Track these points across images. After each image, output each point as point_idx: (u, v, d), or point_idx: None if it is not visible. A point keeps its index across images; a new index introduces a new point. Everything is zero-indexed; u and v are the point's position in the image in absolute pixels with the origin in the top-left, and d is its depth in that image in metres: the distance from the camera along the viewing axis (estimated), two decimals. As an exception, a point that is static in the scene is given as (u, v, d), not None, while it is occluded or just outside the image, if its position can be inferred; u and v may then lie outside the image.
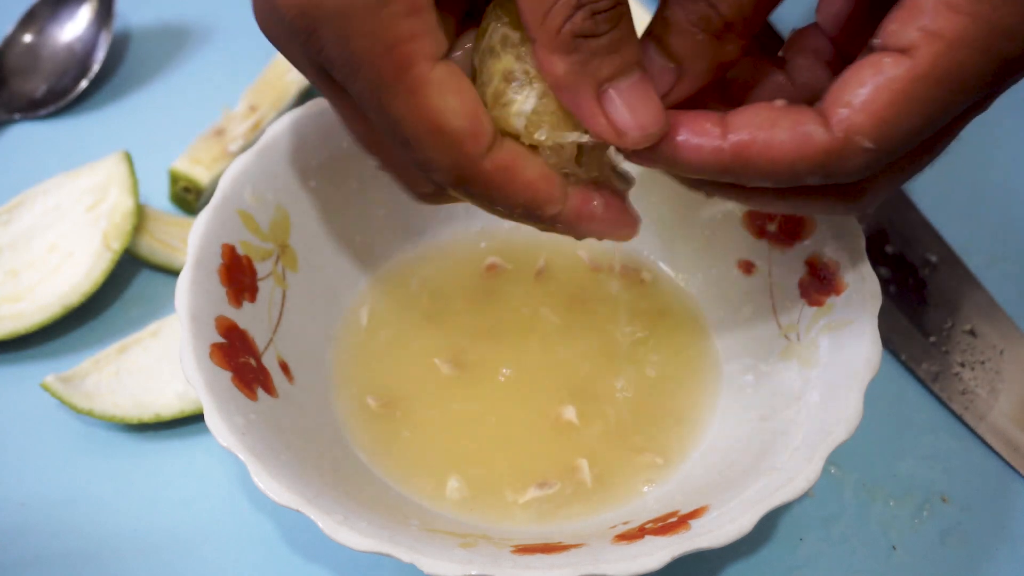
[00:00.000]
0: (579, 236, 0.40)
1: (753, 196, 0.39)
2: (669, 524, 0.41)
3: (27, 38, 0.64)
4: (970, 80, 0.35)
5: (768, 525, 0.48)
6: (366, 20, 0.35)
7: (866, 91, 0.35)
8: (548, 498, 0.46)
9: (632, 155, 0.38)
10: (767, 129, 0.36)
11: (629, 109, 0.36)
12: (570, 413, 0.49)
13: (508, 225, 0.54)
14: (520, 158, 0.38)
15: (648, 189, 0.53)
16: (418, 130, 0.36)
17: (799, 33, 0.42)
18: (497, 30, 0.37)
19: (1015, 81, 0.37)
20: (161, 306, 0.55)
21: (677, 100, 0.38)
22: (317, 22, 0.35)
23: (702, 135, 0.37)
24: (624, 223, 0.40)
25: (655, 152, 0.38)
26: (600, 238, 0.40)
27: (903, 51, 0.35)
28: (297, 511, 0.39)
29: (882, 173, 0.38)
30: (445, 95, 0.36)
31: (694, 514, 0.41)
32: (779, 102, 0.37)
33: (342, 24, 0.35)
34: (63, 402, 0.50)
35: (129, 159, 0.56)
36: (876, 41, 0.36)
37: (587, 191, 0.39)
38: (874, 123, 0.35)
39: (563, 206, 0.38)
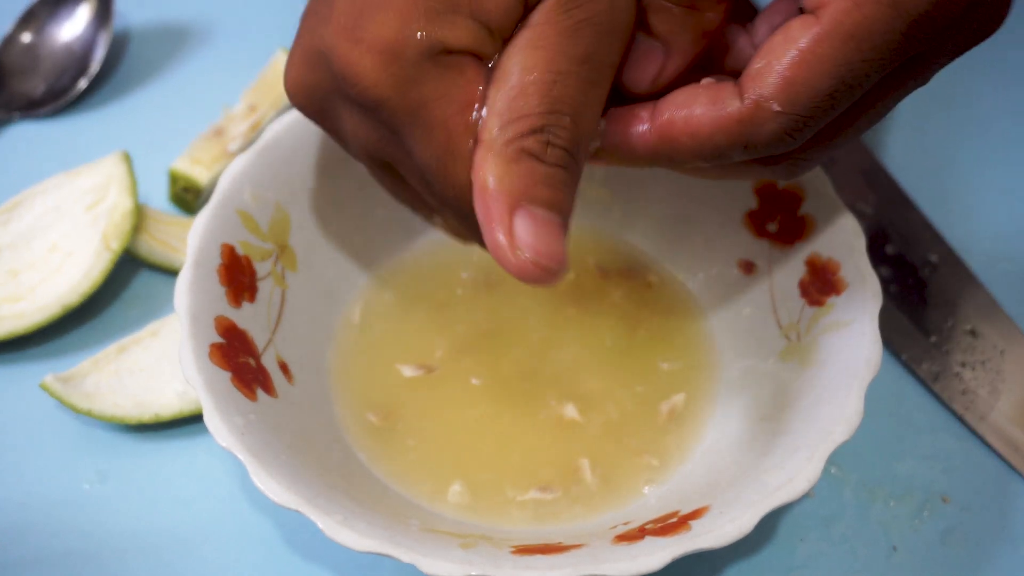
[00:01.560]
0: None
1: (696, 171, 0.41)
2: (669, 524, 0.41)
3: (26, 38, 0.64)
4: (878, 36, 0.35)
5: (768, 525, 0.48)
6: (435, 86, 0.36)
7: (775, 56, 0.35)
8: (550, 500, 0.46)
9: (596, 156, 0.40)
10: (687, 107, 0.37)
11: (535, 234, 0.35)
12: (571, 411, 0.49)
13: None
14: None
15: (649, 188, 0.53)
16: (459, 190, 0.37)
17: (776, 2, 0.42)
18: None
19: (938, 43, 0.36)
20: (160, 306, 0.55)
21: (669, 78, 0.39)
22: (388, 87, 0.36)
23: (632, 123, 0.38)
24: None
25: (597, 153, 0.40)
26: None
27: (813, 12, 0.35)
28: (296, 511, 0.39)
29: (809, 144, 0.38)
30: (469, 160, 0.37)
31: (694, 514, 0.41)
32: (706, 80, 0.38)
33: (413, 90, 0.36)
34: (62, 402, 0.50)
35: (128, 159, 0.56)
36: (800, 6, 0.36)
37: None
38: (782, 86, 0.35)
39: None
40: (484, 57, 0.36)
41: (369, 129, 0.38)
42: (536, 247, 0.35)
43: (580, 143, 0.37)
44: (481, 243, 0.37)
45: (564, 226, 0.36)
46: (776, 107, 0.36)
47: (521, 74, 0.36)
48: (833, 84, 0.35)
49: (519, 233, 0.35)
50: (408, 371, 0.50)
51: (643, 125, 0.38)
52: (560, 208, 0.36)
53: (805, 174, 0.42)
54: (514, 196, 0.36)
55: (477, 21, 0.35)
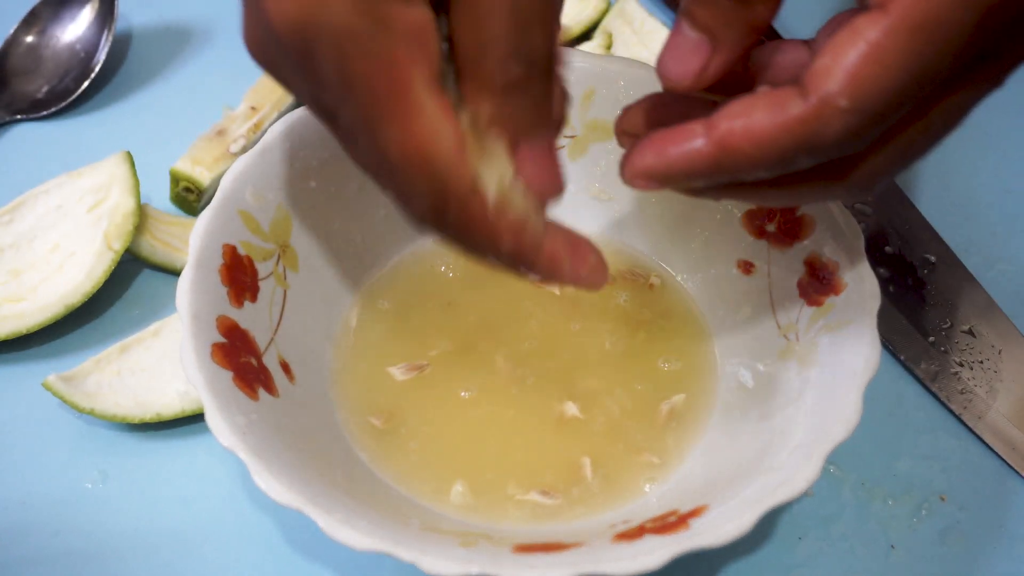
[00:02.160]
0: (551, 281, 0.39)
1: (755, 191, 0.39)
2: (669, 523, 0.41)
3: (29, 39, 0.64)
4: (950, 28, 0.33)
5: (767, 524, 0.48)
6: (366, 41, 0.33)
7: (841, 51, 0.34)
8: (552, 500, 0.46)
9: (630, 180, 0.39)
10: (747, 115, 0.36)
11: (538, 168, 0.36)
12: (572, 409, 0.49)
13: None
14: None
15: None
16: (406, 156, 0.34)
17: (839, 14, 0.40)
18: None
19: (1011, 38, 0.35)
20: (162, 306, 0.55)
21: (715, 74, 0.38)
22: (314, 42, 0.34)
23: (688, 140, 0.37)
24: (597, 269, 0.40)
25: (652, 171, 0.38)
26: (572, 285, 0.40)
27: (880, 6, 0.34)
28: (298, 510, 0.39)
29: (875, 146, 0.37)
30: (438, 124, 0.34)
31: (693, 513, 0.42)
32: (762, 88, 0.36)
33: (341, 44, 0.33)
34: (65, 401, 0.50)
35: (131, 159, 0.56)
36: (864, 2, 0.35)
37: (564, 236, 0.38)
38: (849, 82, 0.34)
39: (541, 251, 0.38)
40: None
41: (299, 79, 0.36)
42: (545, 179, 0.35)
43: (553, 50, 0.35)
44: (426, 219, 0.36)
45: (554, 144, 0.36)
46: (844, 104, 0.34)
47: None
48: (903, 79, 0.34)
49: (529, 172, 0.35)
50: (409, 372, 0.50)
51: (699, 140, 0.36)
52: (548, 123, 0.36)
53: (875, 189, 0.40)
54: (513, 136, 0.35)
55: None
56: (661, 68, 0.38)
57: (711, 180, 0.37)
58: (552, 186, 0.36)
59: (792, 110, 0.35)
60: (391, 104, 0.34)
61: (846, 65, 0.34)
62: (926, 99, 0.36)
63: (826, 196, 0.39)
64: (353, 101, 0.34)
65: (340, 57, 0.33)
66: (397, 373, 0.50)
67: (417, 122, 0.34)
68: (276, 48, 0.35)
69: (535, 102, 0.35)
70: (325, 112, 0.36)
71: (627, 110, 0.41)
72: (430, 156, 0.34)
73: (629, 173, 0.39)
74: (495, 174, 0.35)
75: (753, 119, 0.35)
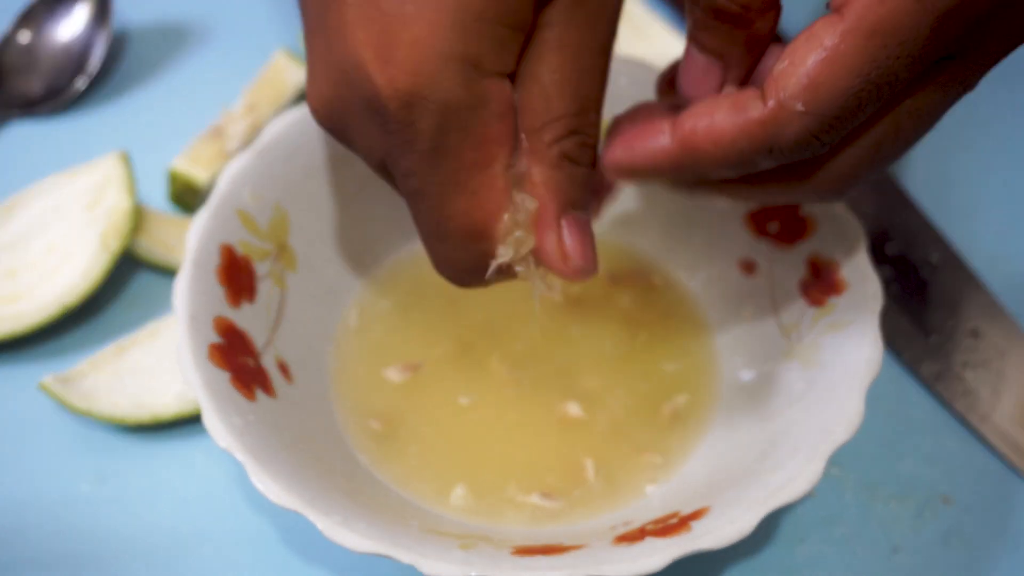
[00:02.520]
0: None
1: (724, 188, 0.41)
2: (670, 525, 0.41)
3: (24, 37, 0.64)
4: (905, 32, 0.34)
5: (769, 526, 0.48)
6: (467, 115, 0.35)
7: (798, 56, 0.35)
8: (554, 503, 0.46)
9: (602, 170, 0.40)
10: (709, 115, 0.37)
11: (579, 240, 0.37)
12: (575, 409, 0.49)
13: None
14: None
15: (648, 190, 0.53)
16: (469, 227, 0.37)
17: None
18: None
19: (971, 42, 0.35)
20: (159, 306, 0.55)
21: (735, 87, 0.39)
22: (419, 111, 0.35)
23: (654, 137, 0.38)
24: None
25: (620, 165, 0.40)
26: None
27: (837, 10, 0.34)
28: (296, 512, 0.39)
29: (838, 149, 0.38)
30: (503, 200, 0.37)
31: (695, 515, 0.41)
32: (727, 88, 0.38)
33: (445, 115, 0.35)
34: (61, 402, 0.50)
35: (127, 159, 0.56)
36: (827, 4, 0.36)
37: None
38: (805, 85, 0.35)
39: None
40: (511, 71, 0.36)
41: (384, 143, 0.37)
42: (581, 252, 0.37)
43: (600, 137, 0.38)
44: (471, 282, 0.39)
45: (590, 221, 0.38)
46: (800, 107, 0.35)
47: (550, 75, 0.36)
48: (859, 83, 0.34)
49: (567, 240, 0.37)
50: (409, 373, 0.50)
51: (664, 138, 0.38)
52: (589, 203, 0.38)
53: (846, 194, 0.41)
54: (561, 203, 0.37)
55: (504, 26, 0.35)
56: (683, 92, 0.40)
57: (676, 176, 0.39)
58: (585, 259, 0.38)
59: (752, 113, 0.36)
60: (473, 177, 0.36)
61: (803, 69, 0.35)
62: (887, 102, 0.36)
63: (794, 197, 0.41)
64: (440, 168, 0.36)
65: (440, 127, 0.35)
66: (396, 374, 0.50)
67: (489, 197, 0.36)
68: (366, 112, 0.36)
69: (583, 176, 0.37)
70: (398, 171, 0.37)
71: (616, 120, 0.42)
72: (488, 231, 0.37)
73: (604, 166, 0.41)
74: (519, 239, 0.38)
75: (715, 120, 0.37)
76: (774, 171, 0.39)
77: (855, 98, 0.35)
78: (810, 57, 0.35)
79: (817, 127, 0.35)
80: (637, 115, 0.41)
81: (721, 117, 0.37)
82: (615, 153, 0.40)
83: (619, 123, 0.42)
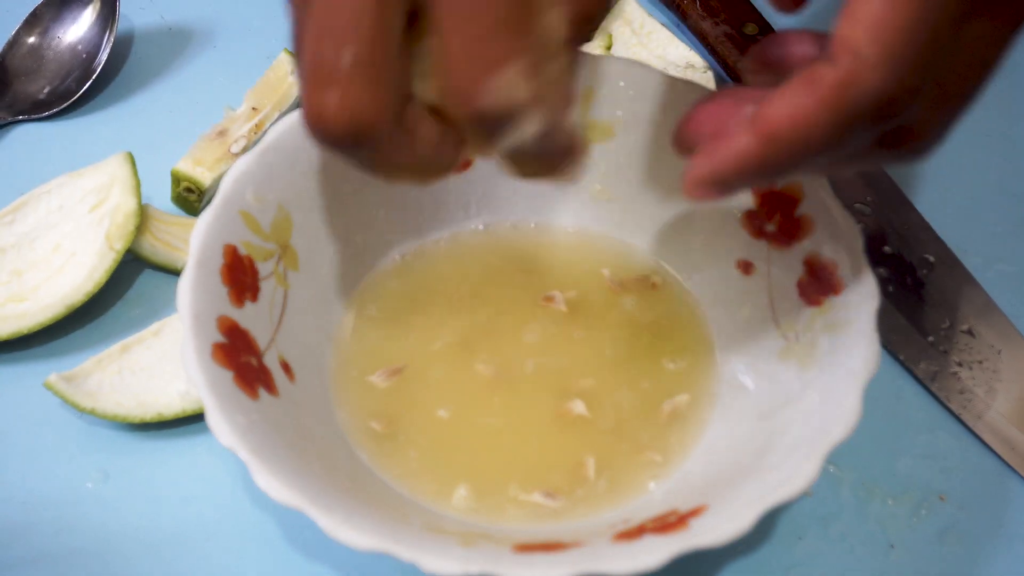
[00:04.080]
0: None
1: (819, 168, 0.37)
2: (668, 523, 0.42)
3: (31, 40, 0.65)
4: None
5: (767, 524, 0.48)
6: None
7: (856, 7, 0.32)
8: (555, 502, 0.46)
9: (689, 193, 0.37)
10: (784, 99, 0.34)
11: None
12: (579, 407, 0.49)
13: (510, 225, 0.55)
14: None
15: (646, 189, 0.54)
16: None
17: None
18: None
19: None
20: (163, 306, 0.55)
21: None
22: None
23: (735, 139, 0.35)
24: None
25: (704, 179, 0.36)
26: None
27: None
28: (298, 510, 0.39)
29: (928, 103, 0.34)
30: None
31: (693, 513, 0.42)
32: (796, 72, 0.34)
33: None
34: (66, 401, 0.50)
35: (132, 160, 0.56)
36: None
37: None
38: (871, 31, 0.32)
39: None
40: None
41: None
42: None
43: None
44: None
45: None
46: (873, 56, 0.32)
47: None
48: (922, 9, 0.32)
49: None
50: (409, 373, 0.50)
51: (745, 137, 0.35)
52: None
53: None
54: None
55: None
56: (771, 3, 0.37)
57: (768, 176, 0.36)
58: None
59: (826, 78, 0.33)
60: None
61: (864, 17, 0.32)
62: (957, 28, 0.33)
63: (883, 163, 0.37)
64: None
65: None
66: (396, 374, 0.50)
67: None
68: None
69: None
70: None
71: (684, 121, 0.39)
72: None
73: (687, 187, 0.37)
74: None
75: (790, 101, 0.33)
76: (882, 142, 0.35)
77: (925, 28, 0.32)
78: (864, 5, 0.32)
79: (897, 74, 0.32)
80: (713, 111, 0.38)
81: (797, 96, 0.33)
82: (699, 169, 0.36)
83: (694, 124, 0.38)
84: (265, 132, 0.58)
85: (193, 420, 0.51)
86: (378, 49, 0.34)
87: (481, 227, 0.55)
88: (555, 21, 0.34)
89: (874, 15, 0.32)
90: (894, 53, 0.32)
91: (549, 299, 0.52)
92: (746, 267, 0.51)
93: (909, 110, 0.34)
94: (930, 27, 0.32)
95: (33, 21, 0.65)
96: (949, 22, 0.33)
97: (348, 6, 0.34)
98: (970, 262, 0.57)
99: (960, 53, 0.34)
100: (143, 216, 0.55)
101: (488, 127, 0.34)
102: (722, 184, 0.36)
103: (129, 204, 0.55)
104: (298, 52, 0.36)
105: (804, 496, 0.49)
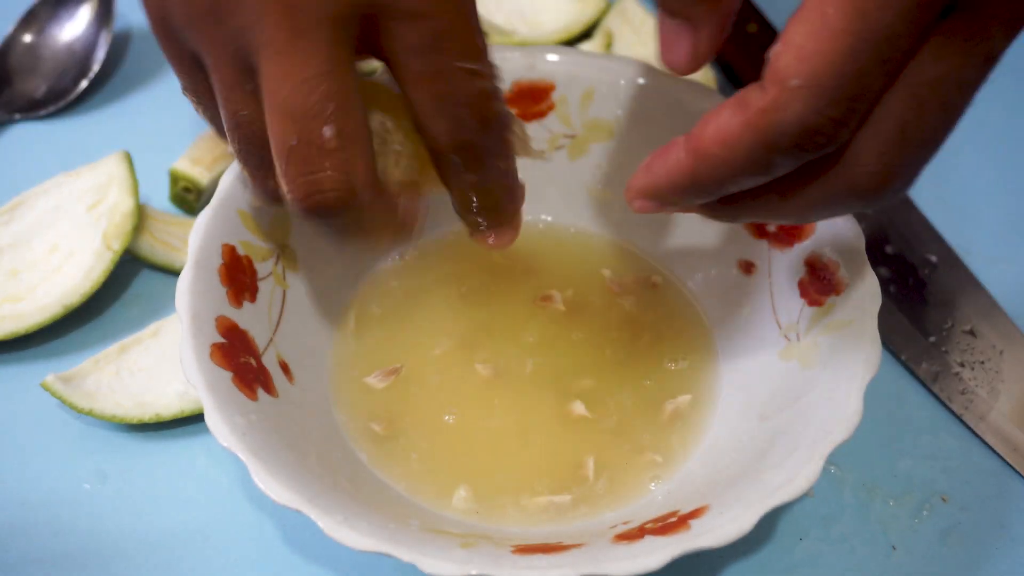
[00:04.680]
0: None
1: (760, 205, 0.38)
2: (669, 524, 0.41)
3: (27, 38, 0.64)
4: None
5: (768, 524, 0.48)
6: None
7: (789, 31, 0.33)
8: (556, 502, 0.46)
9: (630, 203, 0.40)
10: (715, 117, 0.35)
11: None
12: (580, 408, 0.49)
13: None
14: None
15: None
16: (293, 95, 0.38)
17: None
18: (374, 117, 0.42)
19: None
20: (161, 306, 0.55)
21: (707, 53, 0.39)
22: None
23: (669, 154, 0.37)
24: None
25: (642, 190, 0.39)
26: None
27: None
28: (297, 511, 0.39)
29: (859, 133, 0.35)
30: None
31: (694, 514, 0.42)
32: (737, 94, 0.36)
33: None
34: (64, 402, 0.50)
35: (129, 159, 0.56)
36: None
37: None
38: (796, 58, 0.32)
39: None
40: None
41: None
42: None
43: None
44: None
45: None
46: (796, 81, 0.33)
47: None
48: (852, 43, 0.32)
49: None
50: (409, 374, 0.50)
51: (678, 151, 0.37)
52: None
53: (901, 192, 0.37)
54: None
55: None
56: (663, 61, 0.40)
57: (698, 193, 0.37)
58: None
59: (753, 103, 0.34)
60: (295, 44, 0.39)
61: (794, 43, 0.33)
62: (894, 69, 0.33)
63: (836, 205, 0.37)
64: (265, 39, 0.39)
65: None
66: (396, 375, 0.50)
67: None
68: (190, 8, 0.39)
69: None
70: (196, 75, 0.43)
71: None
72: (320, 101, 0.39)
73: (627, 197, 0.40)
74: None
75: (720, 120, 0.35)
76: (804, 174, 0.36)
77: (854, 62, 0.32)
78: (800, 30, 0.33)
79: (821, 102, 0.33)
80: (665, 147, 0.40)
81: (726, 116, 0.35)
82: (637, 180, 0.39)
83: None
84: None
85: (192, 421, 0.51)
86: (353, 117, 0.39)
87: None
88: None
89: (803, 43, 0.33)
90: (819, 84, 0.33)
91: (547, 299, 0.52)
92: (747, 267, 0.51)
93: (835, 141, 0.34)
94: (861, 60, 0.32)
95: (29, 19, 0.65)
96: (885, 58, 0.33)
97: (309, 85, 0.38)
98: (972, 262, 0.57)
99: (914, 93, 0.34)
100: (141, 216, 0.55)
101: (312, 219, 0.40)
102: (657, 196, 0.38)
103: (127, 204, 0.55)
104: (249, 141, 0.40)
105: (805, 497, 0.49)
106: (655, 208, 0.39)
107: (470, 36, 0.40)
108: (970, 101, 0.35)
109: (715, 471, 0.45)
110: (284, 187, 0.39)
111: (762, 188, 0.37)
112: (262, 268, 0.48)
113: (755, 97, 0.34)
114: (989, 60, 0.34)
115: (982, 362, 0.53)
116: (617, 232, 0.55)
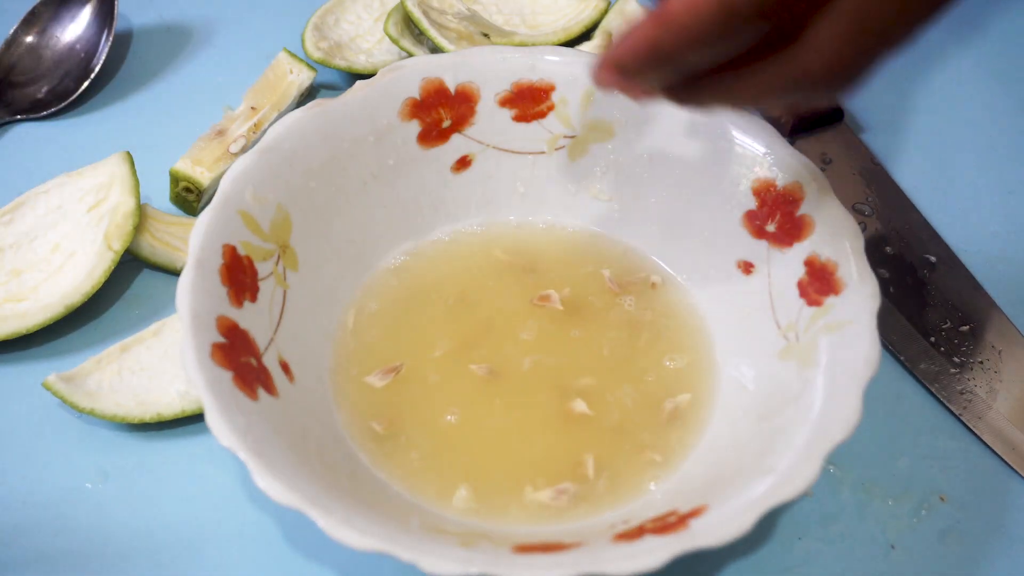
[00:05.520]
0: None
1: (718, 87, 0.39)
2: (668, 523, 0.42)
3: (29, 39, 0.65)
4: None
5: (767, 524, 0.48)
6: None
7: None
8: (556, 502, 0.46)
9: (593, 79, 0.40)
10: None
11: None
12: (581, 406, 0.49)
13: (510, 224, 0.55)
14: None
15: (648, 190, 0.54)
16: None
17: None
18: None
19: None
20: (162, 306, 0.55)
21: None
22: None
23: (634, 26, 0.38)
24: None
25: (605, 61, 0.39)
26: None
27: None
28: (298, 510, 0.39)
29: (818, 16, 0.36)
30: None
31: (693, 513, 0.42)
32: None
33: None
34: (65, 401, 0.50)
35: (130, 159, 0.56)
36: None
37: None
38: None
39: None
40: None
41: None
42: None
43: None
44: None
45: None
46: None
47: None
48: None
49: None
50: (409, 373, 0.50)
51: (646, 23, 0.38)
52: None
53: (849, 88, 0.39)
54: None
55: None
56: (599, 82, 0.41)
57: (660, 62, 0.38)
58: None
59: None
60: None
61: None
62: None
63: (788, 89, 0.39)
64: None
65: None
66: (396, 375, 0.50)
67: None
68: None
69: None
70: None
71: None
72: None
73: (592, 71, 0.41)
74: None
75: None
76: (760, 53, 0.38)
77: None
78: None
79: None
80: None
81: None
82: (603, 55, 0.40)
83: None
84: (264, 132, 0.58)
85: (192, 420, 0.51)
86: None
87: (481, 227, 0.55)
88: None
89: None
90: None
91: (544, 298, 0.52)
92: (746, 267, 0.51)
93: (792, 13, 0.36)
94: None
95: (31, 20, 0.65)
96: None
97: None
98: (971, 262, 0.57)
99: None
100: (142, 216, 0.55)
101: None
102: (620, 65, 0.39)
103: (128, 204, 0.55)
104: None
105: (804, 496, 0.49)
106: (619, 81, 0.40)
107: None
108: (934, 10, 0.37)
109: (714, 470, 0.46)
110: None
111: (721, 67, 0.38)
112: (263, 268, 0.48)
113: None
114: None
115: (981, 362, 0.53)
116: (617, 232, 0.55)
